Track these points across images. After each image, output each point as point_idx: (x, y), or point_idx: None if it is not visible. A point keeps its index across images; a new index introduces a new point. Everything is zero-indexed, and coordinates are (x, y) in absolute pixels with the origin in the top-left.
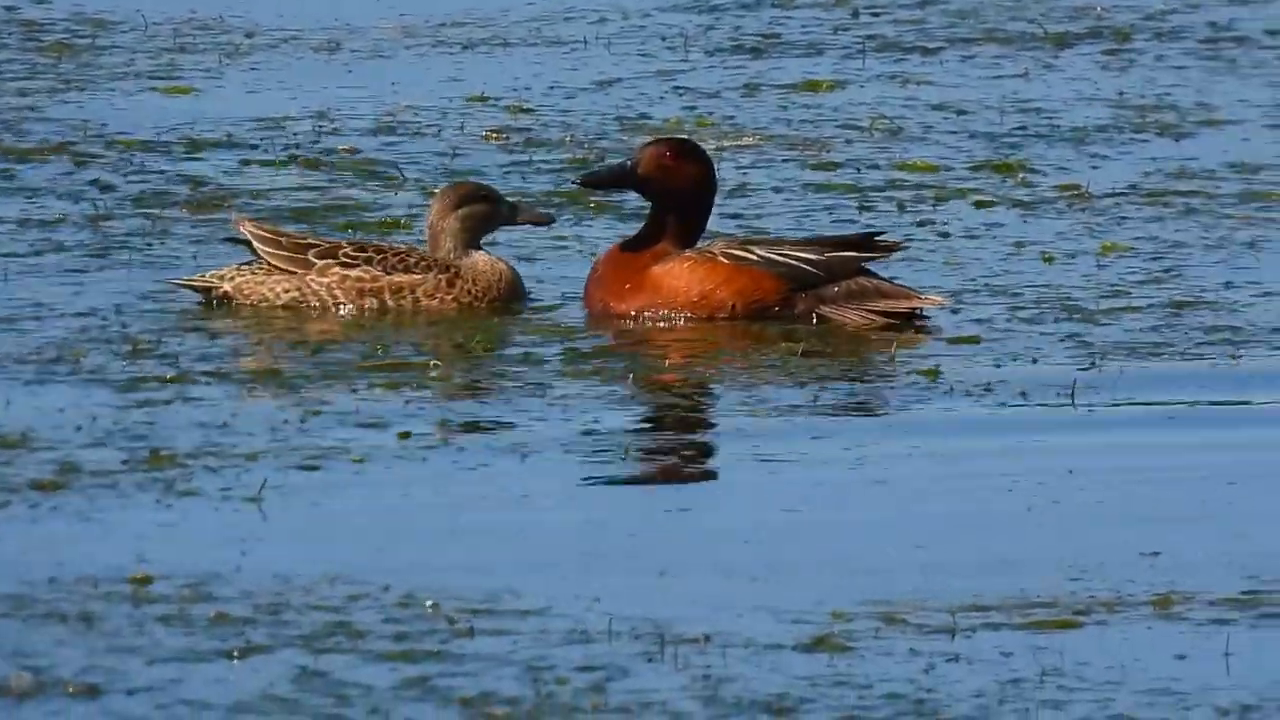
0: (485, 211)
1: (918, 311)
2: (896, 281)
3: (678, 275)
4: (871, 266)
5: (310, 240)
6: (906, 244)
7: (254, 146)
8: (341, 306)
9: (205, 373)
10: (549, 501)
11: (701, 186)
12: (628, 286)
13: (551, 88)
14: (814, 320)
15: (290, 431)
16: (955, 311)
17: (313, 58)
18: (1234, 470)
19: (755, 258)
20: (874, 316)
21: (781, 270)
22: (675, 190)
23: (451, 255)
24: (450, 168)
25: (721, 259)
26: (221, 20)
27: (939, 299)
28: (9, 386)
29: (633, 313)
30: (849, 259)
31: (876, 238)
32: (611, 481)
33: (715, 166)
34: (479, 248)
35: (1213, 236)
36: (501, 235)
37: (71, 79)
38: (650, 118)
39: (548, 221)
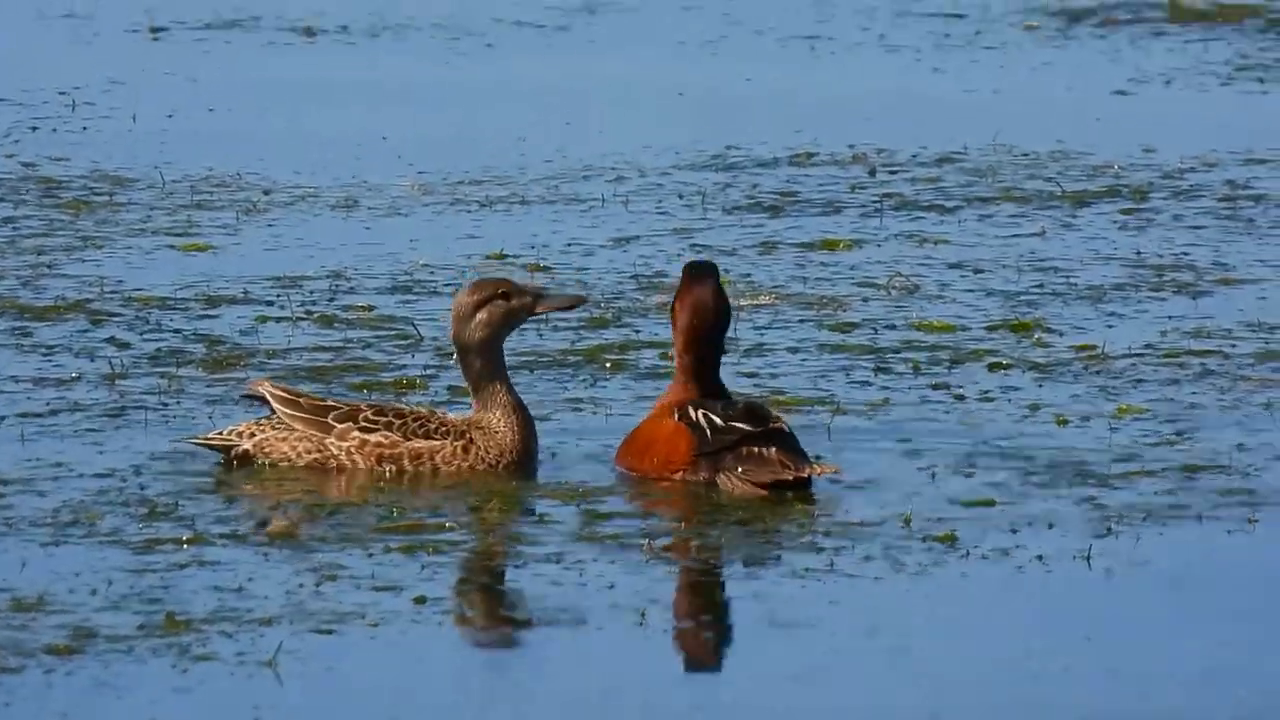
0: (505, 310)
1: (807, 479)
2: (773, 453)
3: (645, 428)
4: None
5: (329, 403)
6: (781, 424)
7: (270, 303)
8: (359, 470)
9: (221, 535)
10: (564, 666)
11: (697, 312)
12: (626, 436)
13: (569, 245)
14: (715, 486)
15: (305, 595)
16: (969, 475)
17: (330, 215)
18: (1251, 635)
19: (692, 418)
20: (758, 488)
21: (696, 434)
22: (676, 314)
23: (481, 371)
24: None
25: (674, 415)
26: (239, 177)
27: (831, 467)
28: (25, 548)
29: (625, 468)
30: (732, 429)
31: (759, 412)
32: (627, 647)
33: (725, 298)
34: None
35: (1228, 398)
36: (523, 390)
37: (89, 236)
38: (667, 275)
39: (576, 304)
